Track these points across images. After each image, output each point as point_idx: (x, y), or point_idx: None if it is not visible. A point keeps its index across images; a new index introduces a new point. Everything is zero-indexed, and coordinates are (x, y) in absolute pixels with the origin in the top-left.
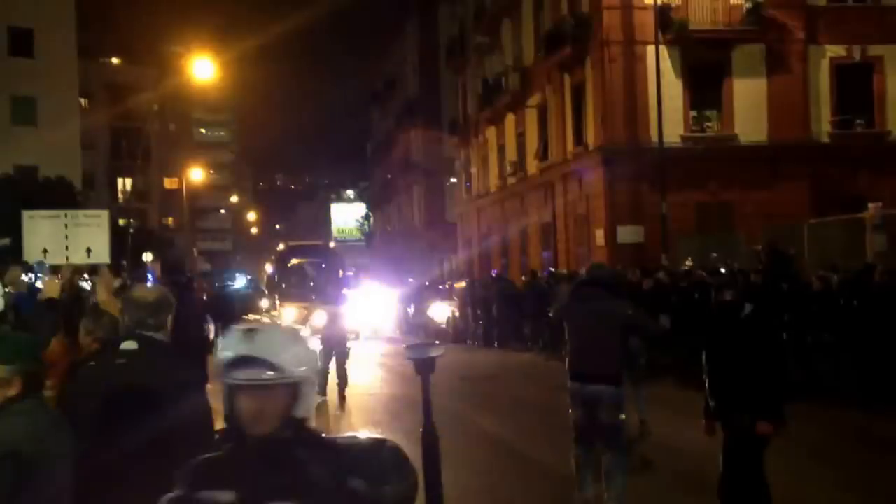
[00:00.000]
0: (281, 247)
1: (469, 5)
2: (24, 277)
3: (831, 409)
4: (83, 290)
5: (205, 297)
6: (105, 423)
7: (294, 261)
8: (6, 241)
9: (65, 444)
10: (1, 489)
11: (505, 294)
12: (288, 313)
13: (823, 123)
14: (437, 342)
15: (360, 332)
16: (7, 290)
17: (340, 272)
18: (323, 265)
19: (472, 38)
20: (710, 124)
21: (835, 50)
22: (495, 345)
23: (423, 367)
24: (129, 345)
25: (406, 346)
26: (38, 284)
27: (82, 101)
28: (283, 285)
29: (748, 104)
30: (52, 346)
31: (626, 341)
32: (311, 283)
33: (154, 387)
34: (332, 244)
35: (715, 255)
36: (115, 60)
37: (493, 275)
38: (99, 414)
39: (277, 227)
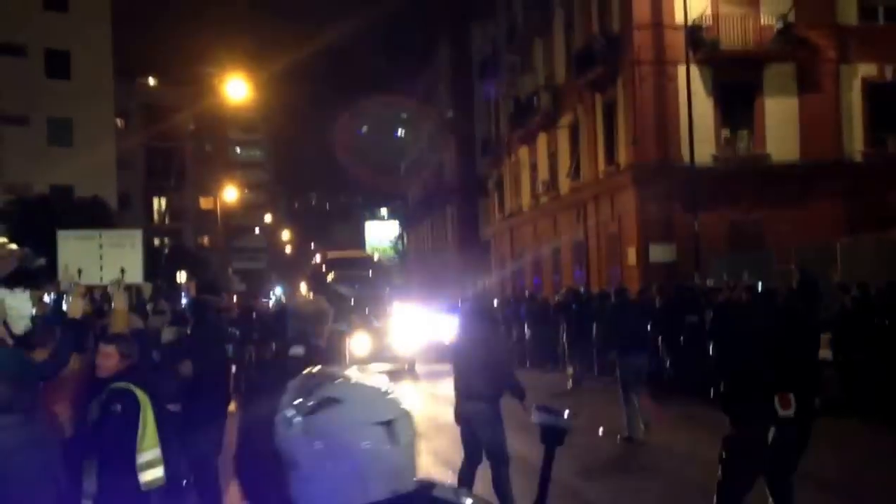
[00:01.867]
0: (318, 258)
1: (501, 25)
2: (47, 298)
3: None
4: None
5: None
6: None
7: (333, 275)
8: (41, 260)
9: (28, 469)
10: None
11: (536, 313)
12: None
13: (856, 142)
14: (568, 410)
15: (415, 361)
16: (33, 312)
17: (387, 290)
18: (367, 281)
19: (505, 58)
20: (741, 143)
21: (867, 69)
22: (527, 364)
23: (550, 437)
24: (296, 350)
25: (536, 407)
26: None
27: (118, 121)
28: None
29: (780, 123)
30: (70, 366)
31: (502, 363)
32: (352, 303)
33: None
34: (376, 256)
35: (746, 274)
36: (151, 81)
37: (525, 294)
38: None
39: (312, 246)
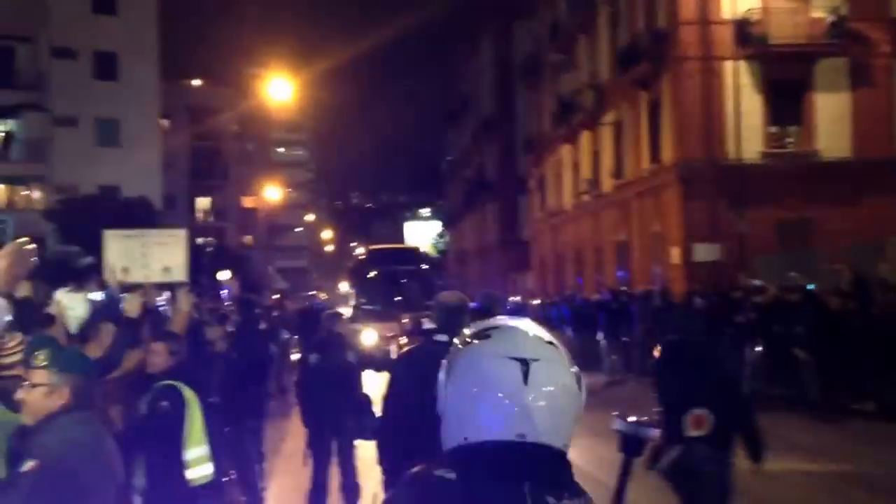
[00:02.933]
0: (360, 251)
1: (545, 22)
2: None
3: None
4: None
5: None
6: (420, 393)
7: (376, 270)
8: (89, 259)
9: (107, 463)
10: (40, 500)
11: (579, 313)
12: (367, 338)
13: None
14: (653, 424)
15: None
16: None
17: (435, 285)
18: (414, 276)
19: (548, 56)
20: (790, 140)
21: None
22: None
23: (630, 446)
24: (441, 337)
25: (615, 414)
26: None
27: (164, 122)
28: (362, 301)
29: (831, 119)
30: (125, 366)
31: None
32: (399, 299)
33: None
34: (423, 249)
35: (793, 273)
36: (195, 82)
37: (567, 294)
38: (417, 385)
39: (353, 244)
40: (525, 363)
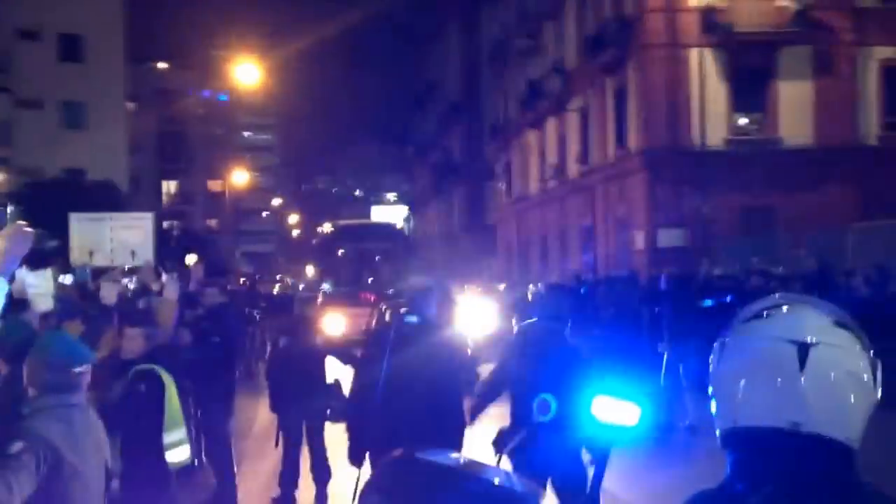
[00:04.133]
0: (327, 227)
1: (512, 8)
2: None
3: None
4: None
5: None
6: (392, 369)
7: (344, 249)
8: (54, 243)
9: (94, 446)
10: (29, 481)
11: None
12: (333, 323)
13: (871, 126)
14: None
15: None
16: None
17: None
18: (388, 255)
19: (515, 41)
20: (754, 127)
21: (884, 52)
22: None
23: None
24: (411, 318)
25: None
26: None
27: (130, 105)
28: (329, 282)
29: (794, 107)
30: (100, 353)
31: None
32: (371, 280)
33: (428, 345)
34: (399, 225)
35: (755, 259)
36: (162, 65)
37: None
38: (388, 367)
39: (318, 229)
40: (804, 347)
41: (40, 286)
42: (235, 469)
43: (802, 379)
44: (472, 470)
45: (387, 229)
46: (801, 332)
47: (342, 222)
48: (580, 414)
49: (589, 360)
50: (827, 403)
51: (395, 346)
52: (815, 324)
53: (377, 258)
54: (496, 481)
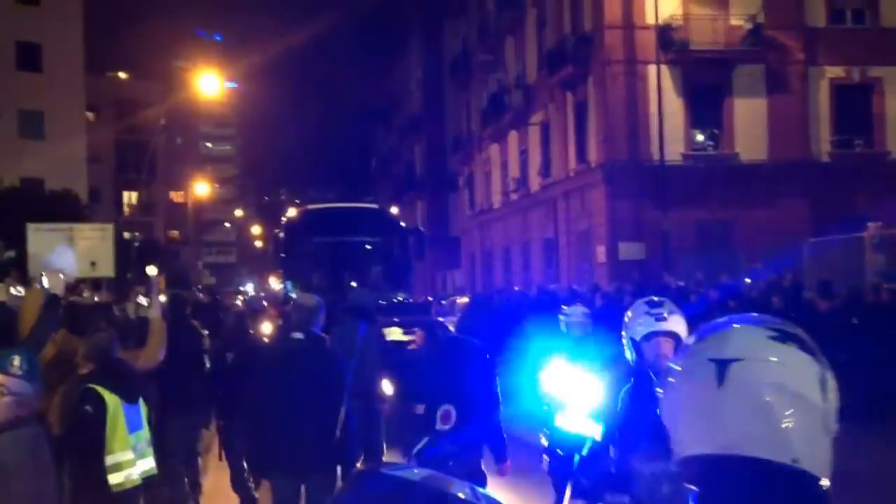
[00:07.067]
0: (291, 213)
1: (473, 23)
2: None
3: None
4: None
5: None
6: (276, 385)
7: (315, 243)
8: (11, 253)
9: (50, 474)
10: None
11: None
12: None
13: (823, 143)
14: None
15: None
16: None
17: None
18: (376, 250)
19: (477, 56)
20: (710, 143)
21: (834, 71)
22: None
23: None
24: (297, 335)
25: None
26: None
27: (89, 115)
28: (294, 290)
29: (748, 123)
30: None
31: None
32: (352, 282)
33: (313, 362)
34: (394, 209)
35: (698, 273)
36: (122, 75)
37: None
38: (274, 379)
39: (282, 218)
40: (723, 364)
41: None
42: (200, 482)
43: (722, 397)
44: (436, 484)
45: (372, 214)
46: (724, 350)
47: (313, 206)
48: (480, 422)
49: (495, 371)
50: (754, 422)
51: (278, 362)
52: (743, 340)
53: (362, 257)
54: (461, 496)
